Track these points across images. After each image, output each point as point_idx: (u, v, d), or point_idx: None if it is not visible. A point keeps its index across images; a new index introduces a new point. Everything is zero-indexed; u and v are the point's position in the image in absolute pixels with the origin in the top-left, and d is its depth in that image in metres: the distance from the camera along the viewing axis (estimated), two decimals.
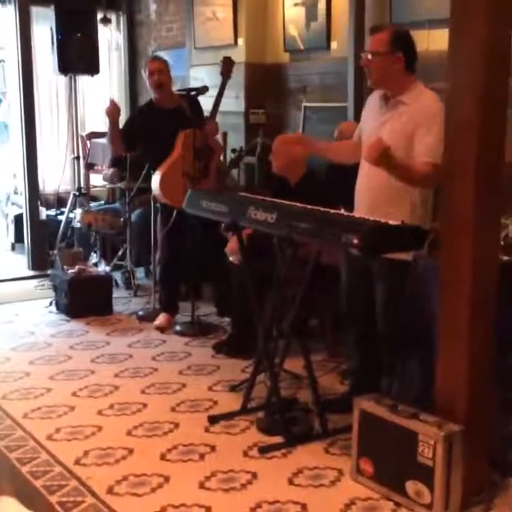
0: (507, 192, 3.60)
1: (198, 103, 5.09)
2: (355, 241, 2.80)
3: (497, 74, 2.68)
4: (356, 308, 3.60)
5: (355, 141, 3.60)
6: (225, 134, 5.79)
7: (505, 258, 3.12)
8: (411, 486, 2.82)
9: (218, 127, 5.08)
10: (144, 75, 5.13)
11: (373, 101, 3.48)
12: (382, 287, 3.40)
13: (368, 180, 3.39)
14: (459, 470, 2.74)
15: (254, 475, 3.12)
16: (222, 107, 5.12)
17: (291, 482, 3.06)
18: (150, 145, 5.01)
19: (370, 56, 3.30)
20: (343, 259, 3.58)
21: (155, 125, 4.91)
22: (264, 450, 3.32)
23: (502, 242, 3.22)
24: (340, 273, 3.70)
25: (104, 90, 7.91)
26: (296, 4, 5.84)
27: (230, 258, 4.44)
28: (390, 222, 2.96)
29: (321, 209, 3.27)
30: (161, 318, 5.12)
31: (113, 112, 4.93)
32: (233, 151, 5.64)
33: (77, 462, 3.24)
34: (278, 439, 3.40)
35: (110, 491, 3.00)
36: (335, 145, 3.99)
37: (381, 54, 3.26)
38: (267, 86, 6.17)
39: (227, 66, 4.99)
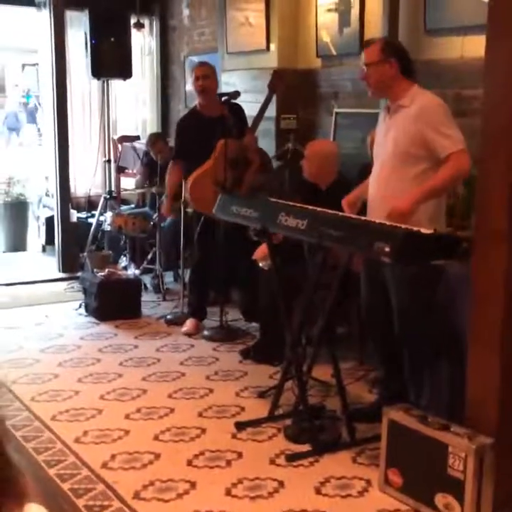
0: None
1: (241, 112, 5.10)
2: (387, 249, 2.77)
3: None
4: (376, 315, 3.58)
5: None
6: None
7: None
8: (440, 499, 2.78)
9: (257, 140, 5.06)
10: (191, 79, 5.17)
11: (380, 116, 3.59)
12: (399, 294, 3.36)
13: (379, 186, 3.42)
14: (489, 483, 2.70)
15: (281, 483, 3.10)
16: (253, 112, 5.12)
17: (318, 491, 3.04)
18: (195, 154, 5.01)
19: (365, 68, 3.43)
20: (362, 269, 3.56)
21: (198, 133, 4.93)
22: (292, 458, 3.29)
23: None
24: None
25: (136, 94, 7.96)
26: (329, 10, 5.81)
27: (260, 264, 4.43)
28: (422, 230, 2.93)
29: (353, 216, 3.25)
30: (189, 324, 5.12)
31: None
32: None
33: (104, 466, 3.24)
34: (305, 447, 3.38)
35: (137, 495, 3.00)
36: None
37: (375, 63, 3.39)
38: (299, 91, 6.15)
39: (276, 80, 5.02)
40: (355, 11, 5.56)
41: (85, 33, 6.63)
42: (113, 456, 3.32)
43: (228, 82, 6.55)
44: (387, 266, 3.28)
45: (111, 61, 6.61)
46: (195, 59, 7.30)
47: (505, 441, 2.75)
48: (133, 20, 7.25)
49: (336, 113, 5.95)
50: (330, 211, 3.35)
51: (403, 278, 3.32)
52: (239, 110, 5.07)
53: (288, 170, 5.50)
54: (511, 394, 2.78)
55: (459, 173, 3.26)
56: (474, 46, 4.25)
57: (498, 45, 2.66)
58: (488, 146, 2.75)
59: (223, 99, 4.85)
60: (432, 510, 2.82)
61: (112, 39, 6.60)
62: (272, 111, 5.99)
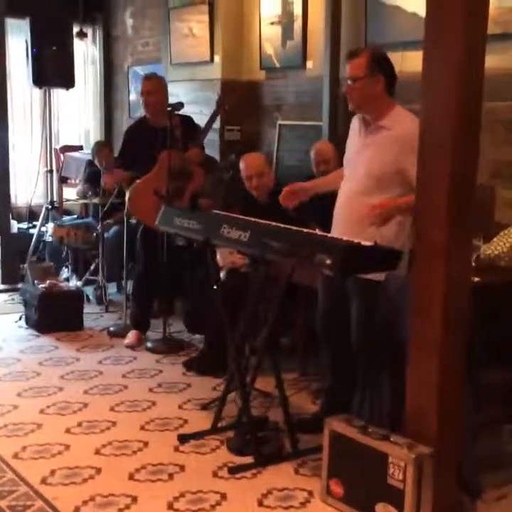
0: (479, 213, 3.64)
1: (191, 124, 5.09)
2: (328, 261, 2.79)
3: (471, 96, 2.70)
4: (331, 329, 3.59)
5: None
6: None
7: (477, 279, 3.14)
8: (381, 508, 2.81)
9: (201, 155, 5.06)
10: (136, 90, 5.17)
11: (354, 124, 3.48)
12: (356, 307, 3.39)
13: (347, 205, 3.38)
14: (428, 492, 2.73)
15: (224, 496, 3.08)
16: (198, 123, 5.13)
17: (260, 503, 3.03)
18: (139, 163, 4.98)
19: (350, 82, 3.30)
20: (320, 279, 3.57)
21: (144, 143, 4.91)
22: (234, 470, 3.28)
23: (473, 264, 3.25)
24: (312, 292, 3.69)
25: (79, 104, 7.88)
26: (272, 23, 5.87)
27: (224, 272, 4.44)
28: (363, 242, 2.96)
29: (295, 228, 3.26)
30: (131, 336, 5.08)
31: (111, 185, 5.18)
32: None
33: (43, 481, 3.18)
34: (248, 459, 3.37)
35: (77, 511, 2.94)
36: (331, 178, 3.85)
37: (361, 78, 3.25)
38: (243, 103, 6.18)
39: (225, 97, 5.05)
40: (298, 24, 5.63)
41: (26, 42, 6.54)
42: (52, 472, 3.26)
43: (172, 93, 6.51)
44: (349, 279, 3.29)
45: (53, 70, 6.51)
46: (139, 69, 7.28)
47: (444, 451, 2.78)
48: (75, 29, 7.19)
49: (280, 125, 6.00)
50: (272, 223, 3.36)
51: (356, 289, 3.34)
52: (190, 123, 5.08)
53: (231, 181, 5.51)
54: (450, 404, 2.82)
55: None
56: (413, 61, 4.33)
57: (434, 60, 2.71)
58: (426, 159, 2.80)
59: (167, 110, 4.83)
60: None
61: (54, 48, 6.51)
62: (216, 123, 6.00)
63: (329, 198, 3.58)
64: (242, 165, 4.59)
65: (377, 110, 3.30)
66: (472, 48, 2.65)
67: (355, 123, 3.49)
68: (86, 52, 7.85)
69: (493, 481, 3.15)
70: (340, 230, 3.39)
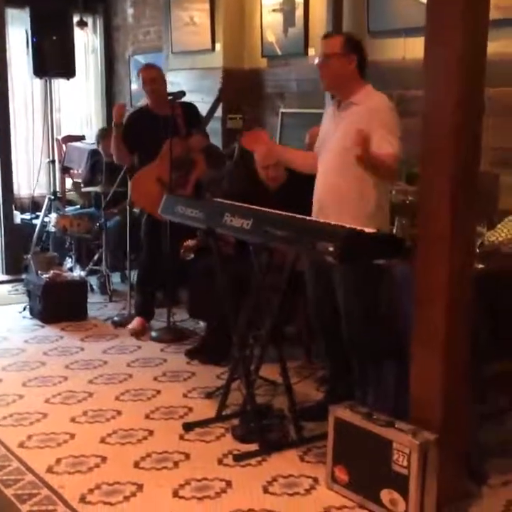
0: (482, 200, 3.64)
1: (194, 112, 5.08)
2: (331, 249, 2.79)
3: (473, 83, 2.69)
4: (322, 318, 3.61)
5: (316, 152, 3.61)
6: None
7: (480, 266, 3.13)
8: (386, 495, 2.82)
9: (205, 142, 5.05)
10: (138, 80, 5.13)
11: (327, 112, 3.58)
12: (342, 295, 3.40)
13: (324, 183, 3.43)
14: (433, 479, 2.74)
15: (229, 483, 3.10)
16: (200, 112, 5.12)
17: (265, 490, 3.04)
18: (142, 151, 4.97)
19: (324, 59, 3.41)
20: (307, 268, 3.58)
21: (147, 131, 4.90)
22: (239, 458, 3.30)
23: (477, 251, 3.24)
24: None
25: (80, 94, 7.87)
26: (274, 10, 5.84)
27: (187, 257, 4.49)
28: (366, 229, 2.96)
29: (298, 216, 3.26)
30: (135, 322, 5.09)
31: (120, 117, 4.94)
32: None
33: (49, 470, 3.20)
34: (253, 447, 3.38)
35: (83, 499, 2.96)
36: (302, 154, 3.92)
37: (336, 55, 3.37)
38: (245, 91, 6.16)
39: (226, 87, 5.04)
40: (299, 12, 5.60)
41: (26, 31, 6.51)
42: (58, 461, 3.28)
43: (173, 81, 6.53)
44: (333, 267, 3.31)
45: (53, 60, 6.49)
46: (141, 58, 7.26)
47: (449, 438, 2.79)
48: (76, 19, 7.16)
49: (282, 113, 5.98)
50: (275, 211, 3.36)
51: (348, 279, 3.35)
52: (192, 109, 5.06)
53: (235, 169, 5.50)
54: (454, 391, 2.82)
55: (393, 171, 3.27)
56: (416, 48, 4.31)
57: (436, 47, 2.70)
58: (429, 146, 2.79)
59: (168, 98, 4.81)
60: (377, 506, 2.85)
61: (54, 37, 6.49)
62: (218, 111, 5.99)
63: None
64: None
65: (349, 89, 3.39)
66: (474, 34, 2.64)
67: (328, 110, 3.58)
68: (87, 42, 7.82)
69: (499, 467, 3.16)
70: (320, 211, 3.43)
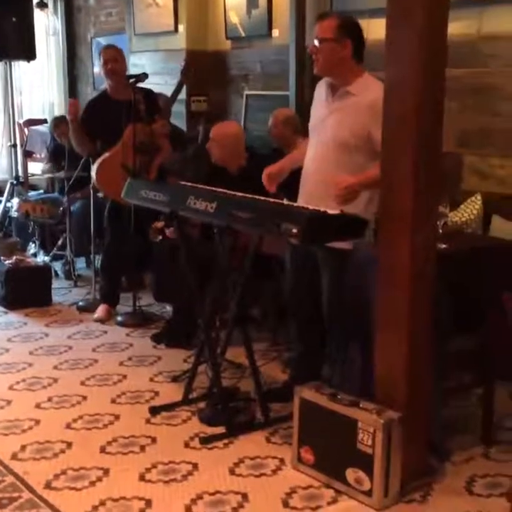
0: (446, 181, 3.66)
1: (153, 97, 5.02)
2: (294, 230, 2.79)
3: (434, 64, 2.69)
4: (300, 298, 3.60)
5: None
6: None
7: (443, 246, 3.16)
8: (351, 474, 2.84)
9: (167, 127, 5.00)
10: (98, 62, 5.06)
11: (320, 90, 3.44)
12: (325, 276, 3.40)
13: (315, 170, 3.36)
14: (398, 457, 2.77)
15: (195, 466, 3.10)
16: (161, 94, 5.07)
17: (232, 472, 3.05)
18: (104, 137, 4.91)
19: (317, 43, 3.26)
20: (288, 248, 3.57)
21: (108, 117, 4.83)
22: (206, 441, 3.30)
23: (440, 231, 3.26)
24: (281, 262, 3.69)
25: (41, 77, 7.75)
26: None
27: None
28: (329, 211, 2.96)
29: (262, 198, 3.25)
30: (101, 310, 5.06)
31: (75, 113, 4.85)
32: None
33: (13, 457, 3.17)
34: (220, 430, 3.38)
35: (48, 485, 2.94)
36: (302, 152, 3.67)
37: (329, 40, 3.22)
38: (209, 73, 6.12)
39: (189, 67, 4.97)
40: None
41: None
42: (23, 447, 3.25)
43: (137, 63, 6.47)
44: (317, 250, 3.29)
45: (13, 42, 6.40)
46: (103, 40, 7.17)
47: (413, 416, 2.82)
48: (36, 0, 7.04)
49: (247, 95, 5.96)
50: (239, 194, 3.34)
51: (324, 258, 3.34)
52: (150, 94, 5.01)
53: (200, 152, 5.47)
54: (418, 369, 2.85)
55: None
56: (379, 28, 4.31)
57: (397, 27, 2.69)
58: (391, 127, 2.79)
59: (130, 81, 4.76)
60: (343, 485, 2.87)
61: (14, 19, 6.38)
62: (182, 93, 5.94)
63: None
64: (212, 134, 4.55)
65: (344, 75, 3.28)
66: (435, 15, 2.65)
67: (321, 89, 3.44)
68: (47, 24, 7.69)
69: (461, 443, 3.21)
70: (307, 196, 3.39)
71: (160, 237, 4.53)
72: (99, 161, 4.88)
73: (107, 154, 4.86)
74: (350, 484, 2.85)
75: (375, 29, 4.65)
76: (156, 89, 5.28)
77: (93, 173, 4.94)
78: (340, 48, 3.24)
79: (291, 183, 3.55)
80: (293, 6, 5.26)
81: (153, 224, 4.56)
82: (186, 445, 3.29)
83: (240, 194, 3.33)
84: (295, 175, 3.53)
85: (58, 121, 6.48)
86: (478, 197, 4.18)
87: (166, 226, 4.41)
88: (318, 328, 3.50)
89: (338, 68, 3.27)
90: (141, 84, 4.79)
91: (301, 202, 3.39)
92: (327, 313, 3.43)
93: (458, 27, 4.09)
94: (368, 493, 2.78)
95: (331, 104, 3.34)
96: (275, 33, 5.60)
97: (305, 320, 3.63)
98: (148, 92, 4.99)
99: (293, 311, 3.72)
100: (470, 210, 4.14)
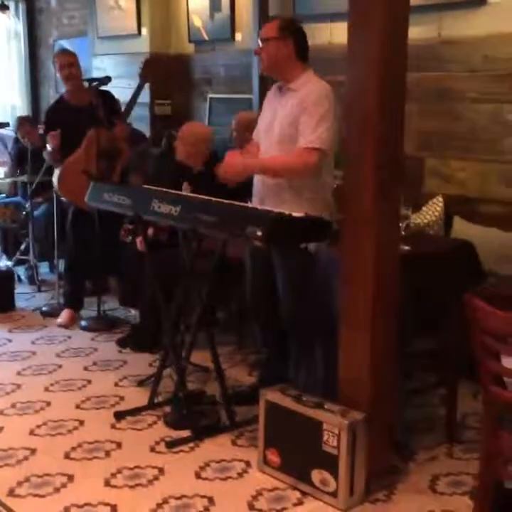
0: (407, 183, 3.70)
1: (112, 100, 5.00)
2: (259, 233, 2.80)
3: (395, 67, 2.73)
4: (259, 300, 3.61)
5: (257, 141, 3.58)
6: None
7: (406, 248, 3.19)
8: (316, 475, 2.86)
9: (128, 130, 4.98)
10: (53, 67, 5.01)
11: (269, 96, 3.53)
12: (280, 276, 3.42)
13: (264, 177, 3.40)
14: (362, 457, 2.79)
15: (161, 470, 3.09)
16: (125, 98, 5.04)
17: (198, 476, 3.05)
18: (64, 144, 4.86)
19: (261, 43, 3.38)
20: (247, 251, 3.58)
21: (67, 123, 4.79)
22: (171, 445, 3.29)
23: (403, 233, 3.30)
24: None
25: (3, 80, 7.66)
26: None
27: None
28: (294, 214, 2.97)
29: (226, 201, 3.25)
30: (64, 315, 5.01)
31: (58, 144, 4.81)
32: None
33: None
34: (185, 433, 3.37)
35: (11, 493, 2.91)
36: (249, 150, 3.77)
37: (271, 39, 3.33)
38: (172, 77, 6.12)
39: (147, 69, 4.93)
40: None
41: None
42: None
43: (99, 66, 6.44)
44: (272, 252, 3.31)
45: None
46: (65, 43, 7.11)
47: (377, 416, 2.84)
48: None
49: (210, 98, 5.96)
50: (203, 196, 3.34)
51: (284, 261, 3.36)
52: (110, 98, 4.98)
53: (164, 155, 5.46)
54: (382, 370, 2.87)
55: (300, 168, 3.23)
56: (341, 33, 4.35)
57: (358, 30, 2.72)
58: (353, 131, 2.82)
59: (93, 84, 4.73)
60: (308, 487, 2.89)
61: None
62: (146, 97, 5.94)
63: None
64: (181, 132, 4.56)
65: (286, 73, 3.37)
66: (395, 19, 2.68)
67: (269, 94, 3.54)
68: (9, 26, 7.61)
69: (425, 443, 3.25)
70: (259, 196, 3.43)
71: (130, 238, 4.49)
72: (61, 167, 4.83)
73: (67, 160, 4.82)
74: (316, 485, 2.86)
75: (337, 33, 4.71)
76: (119, 92, 5.25)
77: (55, 180, 4.90)
78: (283, 46, 3.33)
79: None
80: (256, 9, 5.28)
81: (124, 225, 4.52)
82: (152, 449, 3.27)
83: (204, 197, 3.33)
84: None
85: (22, 121, 6.43)
86: (440, 199, 4.24)
87: (135, 234, 4.38)
88: (281, 330, 3.52)
89: (282, 66, 3.36)
90: (103, 88, 4.77)
91: (254, 202, 3.44)
92: (286, 315, 3.45)
93: (420, 31, 4.15)
94: (334, 494, 2.80)
95: (276, 104, 3.42)
96: (238, 36, 5.62)
97: (267, 323, 3.65)
98: (108, 95, 4.96)
99: (254, 315, 3.74)
100: (432, 212, 4.20)
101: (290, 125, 3.28)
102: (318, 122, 3.19)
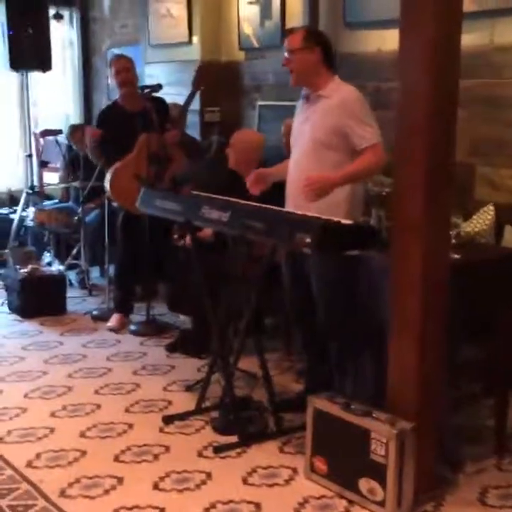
0: (458, 191, 3.66)
1: (165, 107, 5.06)
2: (308, 240, 2.80)
3: (447, 74, 2.71)
4: (299, 309, 3.62)
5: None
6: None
7: (456, 256, 3.16)
8: (364, 484, 2.84)
9: (178, 136, 5.03)
10: (109, 73, 5.10)
11: (298, 106, 3.59)
12: (315, 283, 3.43)
13: (297, 173, 3.43)
14: (410, 467, 2.77)
15: (209, 475, 3.11)
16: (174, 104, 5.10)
17: (245, 481, 3.06)
18: (115, 147, 4.94)
19: (287, 55, 3.42)
20: (283, 260, 3.59)
21: (120, 126, 4.86)
22: (219, 450, 3.31)
23: (453, 241, 3.27)
24: None
25: (57, 88, 7.81)
26: (250, 2, 5.83)
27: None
28: (343, 221, 2.98)
29: (275, 208, 3.27)
30: (114, 320, 5.08)
31: (95, 135, 4.91)
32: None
33: (28, 465, 3.19)
34: (233, 439, 3.39)
35: (62, 493, 2.96)
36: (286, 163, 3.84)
37: (298, 50, 3.39)
38: (222, 84, 6.15)
39: (200, 77, 4.98)
40: (276, 4, 5.60)
41: (2, 24, 6.45)
42: (38, 455, 3.28)
43: (151, 74, 6.51)
44: (308, 257, 3.32)
45: (29, 52, 6.45)
46: (118, 51, 7.21)
47: (425, 426, 2.82)
48: (52, 11, 7.11)
49: (260, 106, 5.98)
50: (252, 203, 3.36)
51: (322, 269, 3.36)
52: (162, 104, 5.04)
53: (213, 162, 5.50)
54: (431, 380, 2.85)
55: (376, 165, 3.33)
56: (392, 39, 4.33)
57: (410, 36, 2.71)
58: (403, 137, 2.81)
59: (145, 91, 4.80)
60: (356, 495, 2.87)
61: (30, 30, 6.44)
62: (196, 104, 5.98)
63: None
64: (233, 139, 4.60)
65: (315, 81, 3.41)
66: (447, 26, 2.66)
67: (298, 105, 3.59)
68: (63, 35, 7.76)
69: (473, 454, 3.20)
70: (292, 202, 3.44)
71: (183, 242, 4.51)
72: (111, 170, 4.91)
73: (119, 164, 4.89)
74: (363, 494, 2.85)
75: (387, 40, 4.68)
76: (170, 99, 5.31)
77: (106, 183, 4.97)
78: (310, 56, 3.39)
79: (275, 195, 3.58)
80: (306, 16, 5.29)
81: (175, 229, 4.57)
82: (199, 454, 3.30)
83: (254, 203, 3.35)
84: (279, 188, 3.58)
85: (74, 129, 6.54)
86: (491, 207, 4.17)
87: (182, 235, 4.42)
88: (323, 337, 3.52)
89: (310, 75, 3.42)
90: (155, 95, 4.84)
91: (288, 208, 3.45)
92: (324, 323, 3.44)
93: (473, 38, 4.10)
94: (381, 504, 2.79)
95: (307, 111, 3.46)
96: None
97: (307, 331, 3.65)
98: (160, 102, 5.03)
99: (296, 322, 3.75)
100: (482, 220, 4.14)
101: (324, 132, 3.33)
102: (367, 121, 3.30)
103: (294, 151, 3.54)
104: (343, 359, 3.47)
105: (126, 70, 4.98)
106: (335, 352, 3.50)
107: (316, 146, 3.36)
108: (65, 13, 7.62)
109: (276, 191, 3.61)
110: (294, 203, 3.41)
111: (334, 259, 3.22)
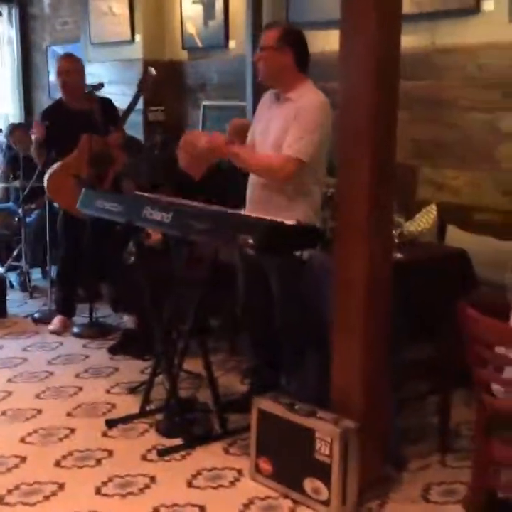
0: (400, 191, 3.70)
1: (112, 108, 4.98)
2: (250, 241, 2.79)
3: (388, 75, 2.72)
4: (252, 308, 3.60)
5: (249, 145, 3.58)
6: None
7: (399, 256, 3.19)
8: (309, 484, 2.84)
9: (122, 138, 4.95)
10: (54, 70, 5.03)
11: (264, 100, 3.51)
12: (274, 283, 3.41)
13: (257, 184, 3.40)
14: (355, 466, 2.78)
15: (153, 479, 3.07)
16: (120, 105, 5.03)
17: (190, 484, 3.03)
18: (57, 146, 4.85)
19: (260, 51, 3.36)
20: (238, 259, 3.57)
21: (63, 126, 4.77)
22: (163, 453, 3.27)
23: (396, 240, 3.30)
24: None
25: None
26: (194, 2, 5.81)
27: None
28: (286, 221, 2.97)
29: (218, 208, 3.25)
30: (56, 322, 4.99)
31: (41, 133, 4.77)
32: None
33: None
34: (177, 441, 3.36)
35: (1, 501, 2.89)
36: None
37: (270, 48, 3.31)
38: (166, 84, 6.11)
39: (147, 80, 4.88)
40: (219, 4, 5.59)
41: None
42: None
43: (93, 73, 6.41)
44: (266, 258, 3.30)
45: None
46: (58, 48, 7.11)
47: (369, 425, 2.83)
48: None
49: (204, 105, 5.96)
50: (194, 203, 3.33)
51: (278, 268, 3.35)
52: (110, 105, 4.96)
53: (158, 161, 5.46)
54: (374, 378, 2.86)
55: (274, 173, 3.24)
56: (336, 40, 4.35)
57: (350, 38, 2.72)
58: (346, 138, 2.82)
59: (87, 91, 4.72)
60: (301, 495, 2.87)
61: None
62: (139, 103, 5.91)
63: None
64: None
65: (285, 83, 3.34)
66: (387, 27, 2.67)
67: (265, 97, 3.51)
68: (2, 32, 7.61)
69: (417, 452, 3.23)
70: (253, 203, 3.41)
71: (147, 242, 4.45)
72: (50, 170, 4.82)
73: (58, 164, 4.81)
74: (308, 494, 2.85)
75: (331, 40, 4.69)
76: (112, 98, 5.24)
77: (44, 181, 4.88)
78: (281, 56, 3.30)
79: (230, 186, 3.56)
80: (249, 16, 5.28)
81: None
82: (143, 458, 3.25)
83: (197, 204, 3.32)
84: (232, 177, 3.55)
85: (13, 128, 6.43)
86: (434, 207, 4.23)
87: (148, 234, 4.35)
88: (272, 338, 3.51)
89: (280, 76, 3.34)
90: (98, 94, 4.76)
91: (248, 209, 3.42)
92: (281, 322, 3.43)
93: (413, 40, 4.16)
94: (326, 503, 2.79)
95: (272, 111, 3.40)
96: (232, 43, 5.62)
97: (258, 330, 3.63)
98: (105, 100, 4.95)
99: (246, 322, 3.73)
100: (425, 219, 4.18)
101: (285, 134, 3.26)
102: (305, 133, 3.18)
103: (257, 148, 3.45)
104: (294, 359, 3.46)
105: (66, 72, 4.89)
106: (288, 352, 3.49)
107: (276, 148, 3.28)
108: (4, 10, 7.46)
109: (221, 182, 3.58)
110: (256, 207, 3.35)
111: (290, 259, 3.20)
